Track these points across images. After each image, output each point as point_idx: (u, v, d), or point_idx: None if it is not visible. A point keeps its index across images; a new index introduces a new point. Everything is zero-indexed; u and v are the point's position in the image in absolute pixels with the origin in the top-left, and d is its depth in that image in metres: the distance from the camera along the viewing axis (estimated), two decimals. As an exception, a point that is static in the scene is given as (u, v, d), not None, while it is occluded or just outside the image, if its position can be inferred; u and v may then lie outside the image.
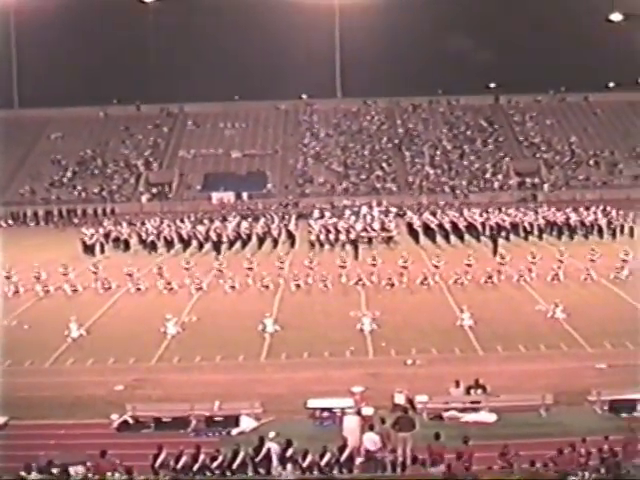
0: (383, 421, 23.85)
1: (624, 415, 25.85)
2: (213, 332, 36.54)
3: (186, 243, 58.94)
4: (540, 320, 37.26)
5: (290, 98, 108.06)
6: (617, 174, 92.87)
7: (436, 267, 46.12)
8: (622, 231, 59.19)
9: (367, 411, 25.32)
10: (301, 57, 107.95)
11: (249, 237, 59.62)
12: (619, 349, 32.85)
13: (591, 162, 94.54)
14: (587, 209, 62.65)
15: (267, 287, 44.51)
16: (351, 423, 24.10)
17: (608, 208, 62.04)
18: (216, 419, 25.83)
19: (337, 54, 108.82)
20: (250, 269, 46.52)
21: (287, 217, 65.55)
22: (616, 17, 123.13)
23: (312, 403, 26.37)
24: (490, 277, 44.54)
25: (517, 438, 23.45)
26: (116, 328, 37.68)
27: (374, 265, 46.33)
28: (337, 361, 32.16)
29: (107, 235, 60.49)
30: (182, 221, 63.78)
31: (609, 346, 33.20)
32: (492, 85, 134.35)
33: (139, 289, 45.11)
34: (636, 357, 31.70)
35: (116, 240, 60.05)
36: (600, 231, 59.25)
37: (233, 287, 44.77)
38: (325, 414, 25.95)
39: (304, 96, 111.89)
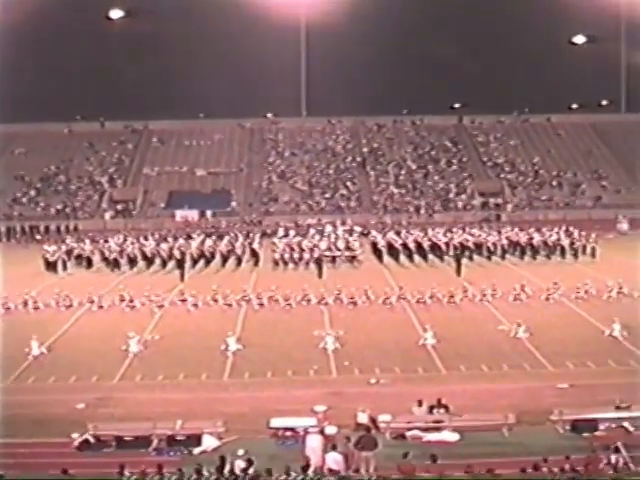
0: (348, 439, 23.84)
1: (586, 435, 25.99)
2: (176, 350, 36.36)
3: (149, 261, 58.66)
4: (503, 340, 37.43)
5: (255, 116, 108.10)
6: (579, 195, 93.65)
7: (400, 287, 46.17)
8: (584, 251, 59.60)
9: (330, 430, 25.29)
10: (267, 76, 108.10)
11: (213, 255, 59.44)
12: (581, 369, 33.09)
13: (554, 183, 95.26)
14: (550, 229, 63.01)
15: (230, 305, 44.40)
16: (314, 442, 24.05)
17: (571, 229, 62.44)
18: (178, 438, 25.66)
19: (303, 73, 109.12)
20: (214, 289, 46.29)
21: (251, 235, 65.36)
22: (579, 39, 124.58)
23: (275, 422, 26.28)
24: (452, 296, 44.71)
25: (480, 457, 23.49)
26: (78, 346, 37.42)
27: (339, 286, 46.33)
28: (300, 380, 32.09)
29: (69, 252, 60.01)
30: (146, 239, 63.41)
31: (571, 366, 33.41)
32: (456, 105, 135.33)
33: (101, 307, 44.83)
34: (597, 377, 31.97)
35: (79, 257, 59.63)
36: (562, 251, 59.62)
37: (196, 305, 44.61)
38: (288, 433, 25.87)
39: (269, 115, 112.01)
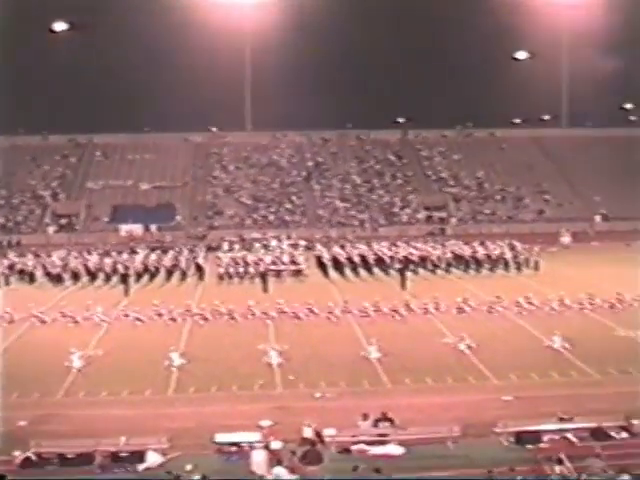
0: (294, 454, 23.79)
1: (529, 446, 26.19)
2: (120, 366, 36.03)
3: (93, 276, 58.16)
4: (448, 353, 37.62)
5: (200, 130, 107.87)
6: (522, 209, 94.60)
7: (345, 301, 46.21)
8: (527, 265, 60.19)
9: (275, 445, 25.24)
10: (211, 90, 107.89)
11: (157, 270, 59.10)
12: (525, 381, 33.36)
13: (497, 197, 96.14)
14: (494, 243, 63.49)
15: (175, 320, 44.15)
16: (259, 457, 23.99)
17: (514, 242, 63.01)
18: (122, 455, 25.41)
19: (247, 87, 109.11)
20: (156, 304, 45.97)
21: (196, 250, 65.11)
22: (521, 55, 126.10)
23: (220, 438, 26.15)
24: (396, 310, 44.86)
25: (424, 471, 23.57)
26: (20, 362, 36.84)
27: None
28: (245, 395, 31.98)
29: (12, 267, 59.35)
30: (89, 253, 62.90)
31: (515, 378, 33.66)
32: (401, 120, 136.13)
33: (44, 322, 44.33)
34: (541, 389, 32.27)
35: (21, 272, 58.95)
36: (506, 265, 60.13)
37: (140, 320, 44.28)
38: (233, 449, 25.76)
39: (214, 129, 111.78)
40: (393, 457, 25.57)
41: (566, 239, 78.83)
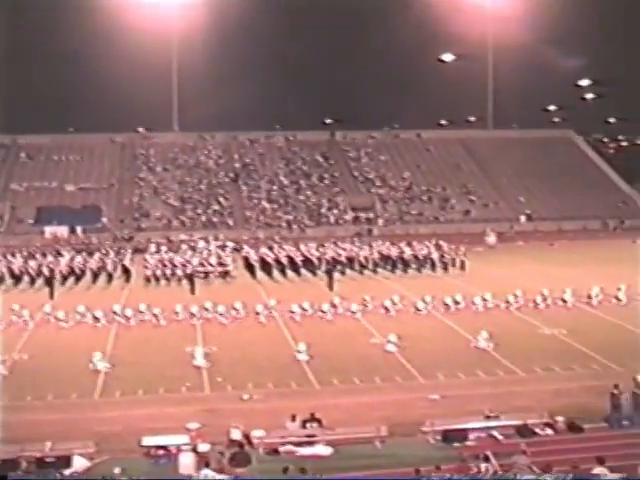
0: (222, 455, 23.71)
1: (456, 444, 26.41)
2: (45, 370, 35.52)
3: (17, 278, 57.30)
4: (375, 353, 37.78)
5: (126, 131, 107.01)
6: (449, 209, 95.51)
7: (273, 302, 46.10)
8: (454, 264, 60.74)
9: (203, 448, 25.11)
10: (138, 90, 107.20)
11: (83, 272, 58.43)
12: (451, 380, 33.64)
13: (424, 197, 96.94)
14: (420, 243, 63.91)
15: (101, 322, 43.67)
16: (187, 460, 23.84)
17: (440, 242, 63.53)
18: (47, 460, 25.01)
19: (174, 87, 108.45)
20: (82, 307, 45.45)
21: (122, 252, 64.52)
22: (447, 57, 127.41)
23: (147, 441, 25.92)
24: (324, 311, 44.94)
25: (353, 470, 23.63)
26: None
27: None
28: (173, 397, 31.74)
29: None
30: (13, 256, 61.84)
31: (442, 377, 33.92)
32: (328, 121, 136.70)
33: (-33, 326, 43.56)
34: (467, 387, 32.57)
35: (-57, 275, 57.91)
36: (433, 265, 60.61)
37: (66, 323, 43.74)
38: (160, 452, 25.56)
39: (141, 129, 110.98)
40: (321, 457, 25.59)
41: (491, 239, 79.73)
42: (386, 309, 45.51)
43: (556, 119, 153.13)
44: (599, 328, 42.53)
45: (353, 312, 45.12)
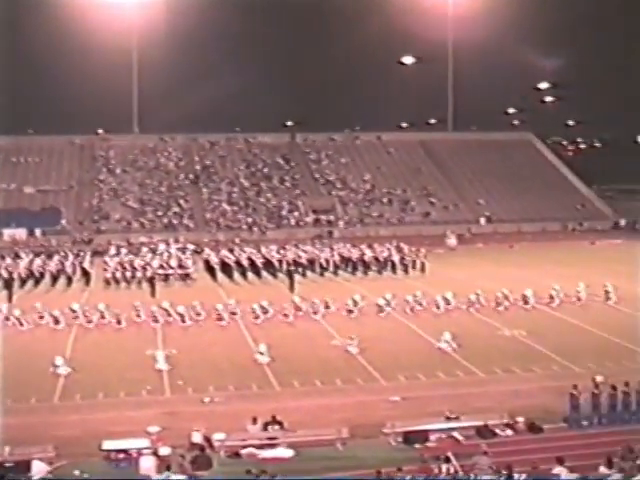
0: (184, 458, 23.63)
1: (417, 446, 26.49)
2: (3, 374, 35.13)
3: (-25, 281, 56.70)
4: (336, 355, 37.81)
5: (86, 133, 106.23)
6: (409, 211, 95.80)
7: (233, 304, 45.93)
8: (414, 266, 60.90)
9: (164, 451, 25.01)
10: (97, 91, 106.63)
11: (42, 275, 57.96)
12: (412, 381, 33.75)
13: (384, 200, 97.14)
14: (381, 245, 63.99)
15: (60, 325, 43.32)
16: (147, 463, 23.72)
17: (401, 244, 63.68)
18: (6, 465, 24.77)
19: (134, 89, 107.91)
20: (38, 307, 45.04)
21: (82, 254, 64.05)
22: (408, 60, 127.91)
23: (107, 445, 25.77)
24: (285, 313, 44.90)
25: (314, 473, 23.62)
26: None
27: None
28: (133, 401, 31.57)
29: None
30: (-29, 258, 61.32)
31: (403, 379, 34.01)
32: (289, 123, 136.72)
33: None
34: (428, 388, 32.69)
35: None
36: (393, 267, 60.75)
37: (23, 326, 43.34)
38: (121, 455, 25.41)
39: (100, 131, 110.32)
40: (283, 460, 25.57)
41: (452, 241, 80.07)
42: (347, 311, 45.56)
43: (516, 122, 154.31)
44: (558, 329, 42.86)
45: (314, 314, 45.11)
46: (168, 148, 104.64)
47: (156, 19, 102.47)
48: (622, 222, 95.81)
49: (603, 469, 21.73)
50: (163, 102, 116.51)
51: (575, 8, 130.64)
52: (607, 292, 48.82)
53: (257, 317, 44.43)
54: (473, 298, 46.94)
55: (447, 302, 46.70)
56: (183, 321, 43.99)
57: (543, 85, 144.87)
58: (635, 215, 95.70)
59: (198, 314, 44.63)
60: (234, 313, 45.02)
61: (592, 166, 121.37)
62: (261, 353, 36.61)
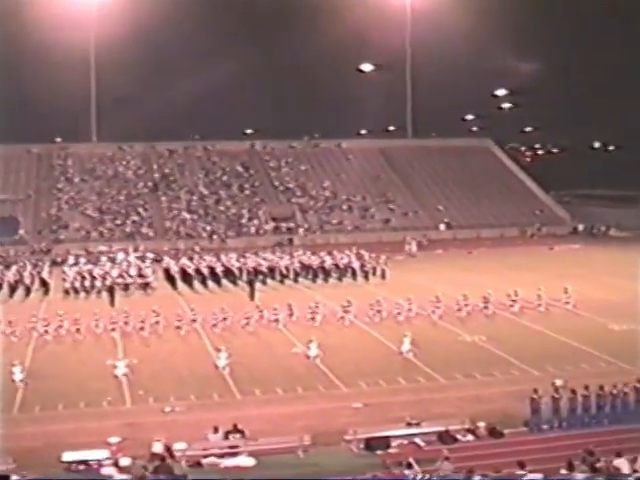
0: (146, 469, 23.49)
1: (379, 452, 26.52)
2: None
3: None
4: (297, 362, 37.79)
5: (43, 141, 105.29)
6: (369, 218, 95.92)
7: (193, 313, 45.71)
8: (374, 273, 60.98)
9: (124, 462, 24.83)
10: (55, 100, 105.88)
11: (0, 285, 57.45)
12: (373, 388, 33.81)
13: (344, 207, 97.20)
14: (341, 252, 63.98)
15: (18, 336, 42.91)
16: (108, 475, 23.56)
17: (361, 251, 63.77)
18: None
19: (93, 97, 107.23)
20: None
21: (40, 264, 63.55)
22: (366, 67, 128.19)
23: (67, 456, 25.55)
24: (245, 321, 44.77)
25: (277, 481, 23.59)
26: None
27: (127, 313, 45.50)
28: (93, 412, 31.34)
29: None
30: None
31: (364, 385, 34.07)
32: (248, 131, 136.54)
33: None
34: (389, 395, 32.74)
35: None
36: (354, 274, 60.80)
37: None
38: (81, 467, 25.21)
39: (58, 139, 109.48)
40: (245, 469, 25.49)
41: (412, 247, 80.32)
42: (309, 319, 45.52)
43: (474, 128, 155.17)
44: (518, 334, 43.14)
45: (275, 322, 45.03)
46: (127, 157, 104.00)
47: (114, 27, 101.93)
48: (580, 227, 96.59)
49: (564, 472, 21.85)
50: (121, 110, 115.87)
51: (533, 15, 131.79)
52: (567, 296, 49.16)
53: (216, 325, 44.30)
54: (433, 304, 47.01)
55: (408, 308, 46.65)
56: (144, 330, 43.72)
57: (501, 92, 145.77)
58: (592, 220, 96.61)
59: (158, 323, 44.35)
60: (194, 321, 44.86)
61: (550, 172, 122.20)
62: (222, 362, 36.44)
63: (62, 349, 41.32)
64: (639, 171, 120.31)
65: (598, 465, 21.65)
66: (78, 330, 43.33)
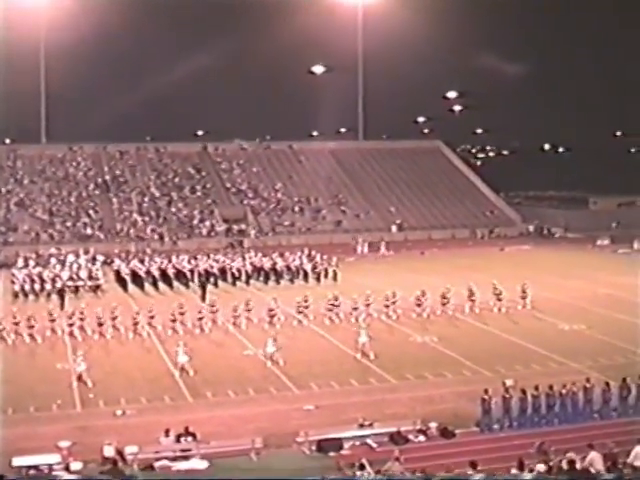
0: (102, 473, 23.38)
1: (332, 454, 26.57)
2: None
3: None
4: (249, 365, 37.76)
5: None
6: (321, 220, 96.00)
7: (151, 317, 45.35)
8: (326, 275, 61.05)
9: (75, 466, 24.67)
10: (4, 100, 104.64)
11: (-53, 288, 56.87)
12: (325, 389, 33.89)
13: (296, 208, 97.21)
14: (293, 254, 63.94)
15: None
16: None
17: (313, 253, 63.81)
18: None
19: (42, 98, 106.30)
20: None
21: (-11, 267, 62.94)
22: (318, 69, 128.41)
23: (17, 461, 25.31)
24: (197, 324, 44.61)
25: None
26: None
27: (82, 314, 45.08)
28: (44, 416, 31.07)
29: None
30: None
31: (316, 387, 34.13)
32: (200, 133, 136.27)
33: None
34: (341, 396, 32.82)
35: None
36: (305, 275, 60.83)
37: None
38: (32, 472, 24.96)
39: (7, 141, 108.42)
40: (197, 472, 25.42)
41: (364, 249, 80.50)
42: (259, 320, 45.48)
43: (425, 130, 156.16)
44: (468, 334, 43.47)
45: (227, 324, 44.95)
46: (77, 158, 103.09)
47: (65, 27, 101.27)
48: (530, 228, 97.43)
49: (515, 472, 22.02)
50: (72, 111, 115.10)
51: (484, 18, 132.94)
52: (523, 297, 49.59)
53: (169, 328, 44.12)
54: (384, 305, 47.14)
55: (359, 310, 46.72)
56: (94, 333, 43.40)
57: (451, 94, 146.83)
58: (542, 221, 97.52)
59: (108, 326, 44.03)
60: (145, 325, 44.59)
61: (500, 173, 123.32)
62: (181, 360, 36.30)
63: (11, 353, 40.86)
64: (589, 173, 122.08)
65: (551, 463, 21.82)
66: (29, 334, 42.86)
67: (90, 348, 41.00)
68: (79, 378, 34.84)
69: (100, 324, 43.84)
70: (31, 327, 43.23)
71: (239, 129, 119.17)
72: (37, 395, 33.35)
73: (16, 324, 43.56)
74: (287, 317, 46.48)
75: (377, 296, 48.36)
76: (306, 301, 47.19)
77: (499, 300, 49.06)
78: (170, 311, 45.18)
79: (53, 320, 44.64)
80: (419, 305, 47.70)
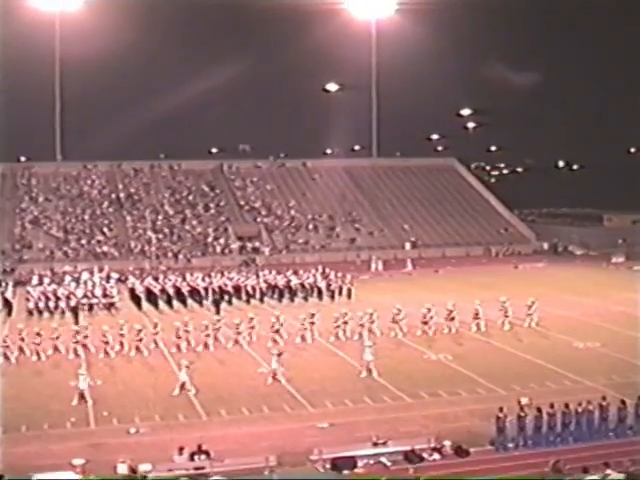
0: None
1: (346, 472, 26.48)
2: None
3: None
4: (262, 382, 37.66)
5: (7, 161, 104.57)
6: (334, 237, 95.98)
7: (155, 333, 45.37)
8: (340, 293, 61.01)
9: (89, 484, 24.65)
10: (20, 118, 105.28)
11: (-37, 306, 56.99)
12: (339, 407, 33.78)
13: (310, 226, 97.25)
14: (307, 272, 63.91)
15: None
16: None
17: (327, 270, 63.79)
18: None
19: (57, 116, 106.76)
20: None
21: (4, 284, 62.97)
22: (332, 87, 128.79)
23: (37, 477, 25.28)
24: (211, 342, 44.61)
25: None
26: None
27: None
28: (57, 433, 31.06)
29: None
30: None
31: (330, 405, 34.03)
32: (214, 150, 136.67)
33: None
34: (355, 414, 32.72)
35: None
36: (320, 293, 60.78)
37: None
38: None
39: (22, 158, 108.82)
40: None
41: (378, 266, 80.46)
42: (274, 339, 45.40)
43: (439, 147, 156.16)
44: (483, 352, 43.29)
45: (241, 342, 44.90)
46: (91, 176, 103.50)
47: (80, 46, 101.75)
48: (545, 245, 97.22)
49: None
50: (87, 129, 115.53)
51: (497, 35, 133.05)
52: (530, 313, 49.42)
53: (183, 346, 44.13)
54: (399, 324, 47.06)
55: (373, 328, 46.65)
56: (110, 351, 43.41)
57: (465, 111, 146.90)
58: (557, 238, 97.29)
59: (122, 344, 44.05)
60: (159, 342, 44.57)
61: (514, 191, 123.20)
62: (185, 380, 36.24)
63: (25, 370, 40.91)
64: (603, 190, 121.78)
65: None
66: (45, 352, 42.95)
67: (104, 366, 41.09)
68: (81, 396, 34.78)
69: (106, 342, 43.84)
70: (44, 345, 43.28)
71: (254, 147, 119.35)
72: (51, 412, 33.36)
73: (22, 340, 43.59)
74: (296, 334, 46.43)
75: (385, 313, 48.26)
76: (312, 316, 47.12)
77: (506, 317, 48.95)
78: (183, 328, 45.17)
79: (58, 337, 44.50)
80: (425, 323, 47.54)
